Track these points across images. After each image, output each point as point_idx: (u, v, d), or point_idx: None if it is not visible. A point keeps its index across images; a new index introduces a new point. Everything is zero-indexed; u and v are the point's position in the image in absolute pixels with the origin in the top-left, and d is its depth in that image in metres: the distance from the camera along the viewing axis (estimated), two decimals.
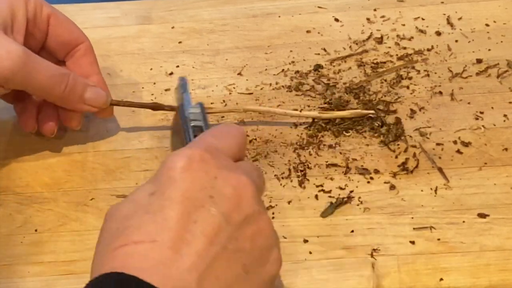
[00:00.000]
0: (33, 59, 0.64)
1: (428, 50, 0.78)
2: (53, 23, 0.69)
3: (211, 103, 0.74)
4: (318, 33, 0.81)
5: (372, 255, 0.61)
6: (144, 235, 0.46)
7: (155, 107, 0.70)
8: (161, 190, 0.48)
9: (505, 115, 0.71)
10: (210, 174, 0.49)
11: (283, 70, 0.77)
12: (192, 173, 0.48)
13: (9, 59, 0.62)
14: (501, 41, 0.79)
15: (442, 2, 0.84)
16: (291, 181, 0.67)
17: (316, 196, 0.65)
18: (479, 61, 0.77)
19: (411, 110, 0.72)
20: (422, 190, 0.66)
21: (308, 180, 0.67)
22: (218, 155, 0.51)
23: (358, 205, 0.65)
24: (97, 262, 0.47)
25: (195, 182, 0.48)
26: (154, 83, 0.77)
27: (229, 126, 0.56)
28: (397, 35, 0.80)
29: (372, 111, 0.71)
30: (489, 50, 0.78)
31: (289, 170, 0.68)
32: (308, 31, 0.81)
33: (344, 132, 0.70)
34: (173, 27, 0.82)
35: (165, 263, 0.45)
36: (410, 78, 0.76)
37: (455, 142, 0.69)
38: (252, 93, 0.75)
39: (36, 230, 0.65)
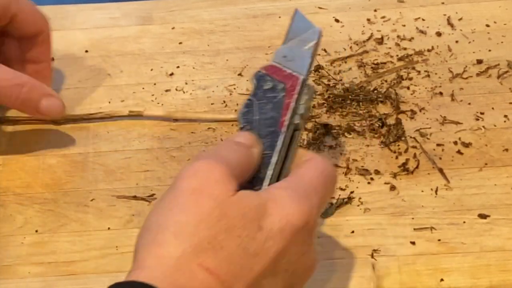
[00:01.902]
0: None
1: (429, 50, 0.78)
2: (18, 16, 0.69)
3: (212, 104, 0.74)
4: None
5: (372, 256, 0.61)
6: (227, 274, 0.45)
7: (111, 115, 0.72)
8: (267, 234, 0.47)
9: (505, 116, 0.71)
10: (303, 245, 0.49)
11: None
12: (292, 237, 0.48)
13: None
14: (502, 42, 0.79)
15: (443, 3, 0.83)
16: None
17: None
18: (479, 61, 0.77)
19: (412, 110, 0.72)
20: (422, 191, 0.66)
21: None
22: (316, 222, 0.50)
23: (358, 205, 0.65)
24: (167, 256, 0.45)
25: (288, 249, 0.48)
26: (155, 84, 0.77)
27: (333, 173, 0.53)
28: (398, 36, 0.80)
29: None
30: (490, 50, 0.78)
31: None
32: None
33: (345, 133, 0.70)
34: (173, 28, 0.82)
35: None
36: (411, 79, 0.75)
37: (455, 143, 0.69)
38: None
39: (36, 231, 0.65)
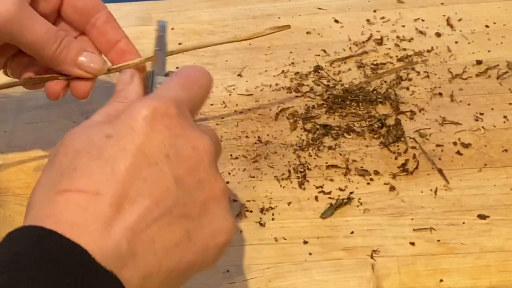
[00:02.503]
0: (29, 11, 0.61)
1: (428, 51, 0.78)
2: None
3: (211, 105, 0.74)
4: (318, 34, 0.81)
5: (372, 256, 0.61)
6: (90, 185, 0.44)
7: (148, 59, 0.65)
8: (118, 137, 0.46)
9: (505, 116, 0.71)
10: (172, 131, 0.47)
11: (283, 71, 0.77)
12: (153, 126, 0.46)
13: (2, 6, 0.59)
14: (501, 42, 0.79)
15: (442, 3, 0.84)
16: (291, 182, 0.67)
17: (316, 197, 0.65)
18: (479, 62, 0.77)
19: (411, 111, 0.72)
20: (422, 191, 0.66)
21: (308, 181, 0.67)
22: (184, 110, 0.49)
23: (358, 206, 0.65)
24: (38, 198, 0.45)
25: (154, 137, 0.46)
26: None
27: (199, 72, 0.53)
28: (397, 36, 0.80)
29: (288, 25, 0.68)
30: (489, 51, 0.78)
31: (289, 171, 0.68)
32: (308, 32, 0.81)
33: (344, 134, 0.70)
34: (173, 28, 0.83)
35: (102, 220, 0.43)
36: (410, 79, 0.76)
37: (455, 143, 0.69)
38: (252, 94, 0.75)
39: None
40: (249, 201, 0.66)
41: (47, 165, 0.47)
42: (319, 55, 0.79)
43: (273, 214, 0.64)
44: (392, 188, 0.66)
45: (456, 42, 0.79)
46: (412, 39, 0.80)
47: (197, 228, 0.46)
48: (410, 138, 0.70)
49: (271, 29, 0.68)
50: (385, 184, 0.66)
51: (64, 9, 0.65)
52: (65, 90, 0.64)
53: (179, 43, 0.81)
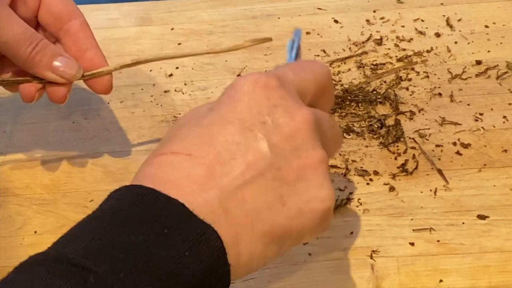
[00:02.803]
0: (7, 11, 0.61)
1: (428, 51, 0.78)
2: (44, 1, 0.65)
3: None
4: (318, 34, 0.81)
5: (371, 257, 0.61)
6: (183, 147, 0.46)
7: (133, 64, 0.66)
8: (218, 107, 0.48)
9: (504, 117, 0.71)
10: (271, 100, 0.48)
11: None
12: (253, 96, 0.47)
13: None
14: (501, 43, 0.79)
15: (442, 4, 0.84)
16: None
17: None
18: (478, 62, 0.77)
19: (411, 111, 0.72)
20: (421, 192, 0.66)
21: None
22: (288, 86, 0.49)
23: (357, 206, 0.65)
24: (141, 167, 0.47)
25: (252, 105, 0.47)
26: (154, 85, 0.77)
27: (313, 62, 0.54)
28: (397, 37, 0.80)
29: (270, 38, 0.69)
30: (489, 51, 0.78)
31: None
32: (307, 33, 0.81)
33: (344, 134, 0.70)
34: (172, 29, 0.83)
35: (193, 179, 0.44)
36: (410, 80, 0.76)
37: (454, 144, 0.69)
38: None
39: (35, 232, 0.65)
40: None
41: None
42: (318, 55, 0.79)
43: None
44: (392, 189, 0.66)
45: (455, 42, 0.79)
46: (411, 39, 0.80)
47: (292, 193, 0.46)
48: (410, 138, 0.70)
49: (251, 41, 0.68)
50: (384, 184, 0.66)
51: (41, 13, 0.65)
52: (40, 93, 0.64)
53: (179, 43, 0.81)
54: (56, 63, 0.62)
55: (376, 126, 0.71)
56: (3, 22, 0.60)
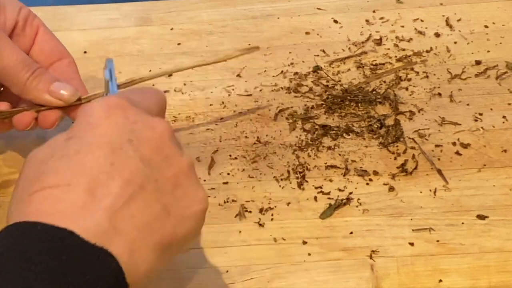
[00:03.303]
0: (6, 39, 0.64)
1: (427, 51, 0.78)
2: (41, 33, 0.69)
3: (210, 105, 0.74)
4: (317, 34, 0.81)
5: (371, 257, 0.61)
6: (59, 179, 0.46)
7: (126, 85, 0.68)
8: (78, 135, 0.48)
9: (504, 117, 0.71)
10: (129, 119, 0.49)
11: (282, 71, 0.77)
12: (111, 118, 0.49)
13: None
14: (500, 43, 0.79)
15: (441, 4, 0.84)
16: (290, 182, 0.67)
17: (315, 198, 0.65)
18: (478, 62, 0.77)
19: (410, 111, 0.72)
20: (421, 192, 0.66)
21: (307, 181, 0.67)
22: (137, 104, 0.51)
23: (357, 206, 0.65)
24: (13, 209, 0.47)
25: (114, 127, 0.48)
26: (153, 85, 0.76)
27: (148, 88, 0.57)
28: (396, 37, 0.80)
29: (258, 47, 0.71)
30: (488, 51, 0.78)
31: (288, 171, 0.68)
32: (307, 33, 0.81)
33: (343, 134, 0.70)
34: (172, 29, 0.83)
35: (79, 205, 0.45)
36: (409, 80, 0.76)
37: (454, 144, 0.69)
38: (251, 95, 0.75)
39: None
40: (248, 201, 0.66)
41: (16, 184, 0.49)
42: (318, 56, 0.79)
43: (272, 215, 0.64)
44: (391, 189, 0.66)
45: (455, 43, 0.79)
46: (411, 39, 0.80)
47: (173, 200, 0.48)
48: (409, 138, 0.70)
49: (240, 51, 0.71)
50: (384, 184, 0.66)
51: (33, 49, 0.69)
52: (36, 123, 0.66)
53: (179, 43, 0.81)
54: (53, 87, 0.65)
55: (376, 126, 0.71)
56: (4, 50, 0.63)
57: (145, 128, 0.49)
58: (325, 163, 0.68)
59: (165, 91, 0.76)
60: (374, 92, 0.74)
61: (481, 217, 0.63)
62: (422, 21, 0.82)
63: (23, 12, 0.68)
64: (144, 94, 0.54)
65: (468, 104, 0.73)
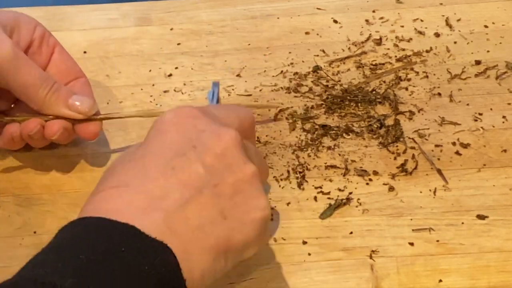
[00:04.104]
0: (23, 57, 0.65)
1: (427, 51, 0.78)
2: (57, 52, 0.70)
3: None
4: (317, 34, 0.81)
5: (371, 257, 0.61)
6: (120, 180, 0.48)
7: (144, 115, 0.69)
8: (147, 142, 0.51)
9: (504, 117, 0.71)
10: (197, 127, 0.51)
11: (282, 71, 0.77)
12: (179, 125, 0.51)
13: (1, 48, 0.63)
14: (500, 43, 0.79)
15: (441, 4, 0.84)
16: (290, 182, 0.67)
17: (315, 198, 0.65)
18: (478, 62, 0.77)
19: (410, 111, 0.72)
20: (421, 192, 0.66)
21: (307, 181, 0.67)
22: (210, 115, 0.52)
23: (357, 206, 0.65)
24: (83, 207, 0.49)
25: (180, 134, 0.50)
26: (153, 85, 0.77)
27: (237, 105, 0.58)
28: (396, 37, 0.80)
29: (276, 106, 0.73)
30: (488, 51, 0.78)
31: (288, 171, 0.68)
32: (307, 33, 0.81)
33: (343, 134, 0.70)
34: (172, 29, 0.82)
35: (135, 205, 0.47)
36: (409, 80, 0.76)
37: (454, 144, 0.69)
38: (251, 95, 0.75)
39: (35, 232, 0.65)
40: None
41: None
42: (318, 56, 0.79)
43: (272, 215, 0.64)
44: (391, 189, 0.66)
45: (455, 42, 0.79)
46: (411, 39, 0.80)
47: (231, 206, 0.49)
48: (409, 138, 0.70)
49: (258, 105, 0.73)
50: (384, 184, 0.66)
51: (49, 67, 0.70)
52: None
53: (178, 43, 0.81)
54: (71, 101, 0.66)
55: (376, 126, 0.71)
56: (22, 65, 0.64)
57: (212, 136, 0.51)
58: (325, 163, 0.68)
59: (165, 91, 0.76)
60: (374, 92, 0.74)
61: (481, 217, 0.63)
62: (422, 21, 0.82)
63: (38, 30, 0.69)
64: (226, 109, 0.56)
65: (468, 104, 0.73)
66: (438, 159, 0.68)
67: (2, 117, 0.67)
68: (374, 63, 0.78)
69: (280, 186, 0.67)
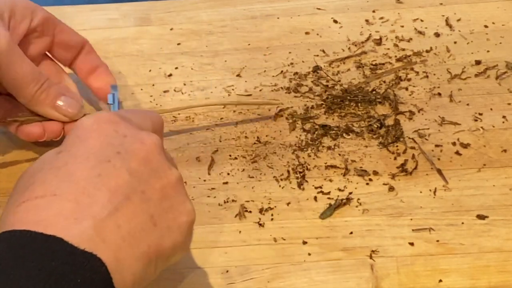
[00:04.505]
0: (18, 50, 0.64)
1: (427, 51, 0.78)
2: (58, 30, 0.70)
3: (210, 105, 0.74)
4: (317, 34, 0.81)
5: (371, 257, 0.61)
6: (46, 190, 0.47)
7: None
8: (68, 148, 0.49)
9: (504, 117, 0.71)
10: (119, 132, 0.50)
11: (282, 71, 0.77)
12: (100, 131, 0.50)
13: None
14: (500, 42, 0.79)
15: (441, 4, 0.84)
16: (290, 182, 0.67)
17: (315, 198, 0.65)
18: (478, 62, 0.77)
19: (410, 111, 0.72)
20: (421, 192, 0.66)
21: (307, 181, 0.67)
22: (129, 120, 0.52)
23: (357, 206, 0.65)
24: (1, 222, 0.47)
25: (102, 140, 0.49)
26: (153, 85, 0.77)
27: (144, 110, 0.59)
28: (396, 37, 0.80)
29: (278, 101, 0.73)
30: (488, 51, 0.78)
31: (288, 171, 0.68)
32: (307, 33, 0.81)
33: (343, 134, 0.70)
34: (172, 29, 0.82)
35: (64, 214, 0.45)
36: (409, 80, 0.76)
37: (454, 144, 0.69)
38: (251, 95, 0.75)
39: None
40: (248, 201, 0.66)
41: (8, 199, 0.49)
42: (318, 56, 0.79)
43: (272, 215, 0.64)
44: (391, 189, 0.66)
45: (455, 42, 0.79)
46: (411, 39, 0.80)
47: (159, 212, 0.49)
48: (409, 138, 0.70)
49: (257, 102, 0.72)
50: (384, 184, 0.66)
51: (56, 50, 0.71)
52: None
53: (178, 43, 0.81)
54: (59, 103, 0.66)
55: (376, 126, 0.71)
56: (15, 59, 0.64)
57: (134, 141, 0.50)
58: (325, 163, 0.68)
59: (165, 91, 0.76)
60: (374, 92, 0.74)
61: (481, 217, 0.63)
62: (422, 21, 0.82)
63: (38, 15, 0.68)
64: (139, 113, 0.55)
65: (468, 104, 0.73)
66: (438, 159, 0.68)
67: (5, 117, 0.67)
68: (374, 63, 0.78)
69: (280, 186, 0.67)
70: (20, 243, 0.44)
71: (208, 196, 0.66)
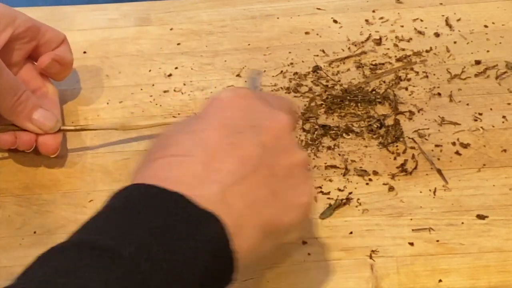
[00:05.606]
0: None
1: (427, 51, 0.78)
2: (42, 33, 0.71)
3: None
4: (317, 34, 0.81)
5: (371, 257, 0.61)
6: (180, 150, 0.49)
7: (117, 128, 0.70)
8: (207, 116, 0.52)
9: (504, 117, 0.71)
10: (254, 108, 0.52)
11: (281, 71, 0.77)
12: (237, 104, 0.52)
13: None
14: (500, 42, 0.79)
15: (441, 4, 0.84)
16: None
17: (315, 198, 0.65)
18: (477, 62, 0.77)
19: (410, 111, 0.72)
20: (421, 192, 0.66)
21: None
22: (265, 99, 0.54)
23: (357, 206, 0.65)
24: (135, 172, 0.50)
25: (239, 112, 0.52)
26: (153, 85, 0.77)
27: (280, 95, 0.61)
28: (396, 37, 0.80)
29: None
30: (488, 51, 0.78)
31: None
32: (307, 33, 0.81)
33: (343, 134, 0.70)
34: (171, 29, 0.82)
35: (193, 174, 0.48)
36: (409, 80, 0.76)
37: (454, 144, 0.69)
38: None
39: (35, 232, 0.65)
40: None
41: (144, 154, 0.52)
42: (318, 55, 0.79)
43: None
44: (391, 188, 0.66)
45: (455, 42, 0.79)
46: (411, 39, 0.80)
47: (283, 188, 0.50)
48: (409, 138, 0.70)
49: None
50: (384, 184, 0.66)
51: (38, 51, 0.72)
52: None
53: (178, 43, 0.81)
54: (36, 116, 0.67)
55: (376, 126, 0.71)
56: None
57: (268, 118, 0.52)
58: (325, 163, 0.68)
59: (165, 91, 0.76)
60: (374, 92, 0.74)
61: (481, 217, 0.63)
62: (421, 21, 0.82)
63: (20, 22, 0.69)
64: (275, 97, 0.58)
65: (467, 104, 0.73)
66: (438, 159, 0.68)
67: None
68: (374, 63, 0.78)
69: None
70: (143, 197, 0.46)
71: None
